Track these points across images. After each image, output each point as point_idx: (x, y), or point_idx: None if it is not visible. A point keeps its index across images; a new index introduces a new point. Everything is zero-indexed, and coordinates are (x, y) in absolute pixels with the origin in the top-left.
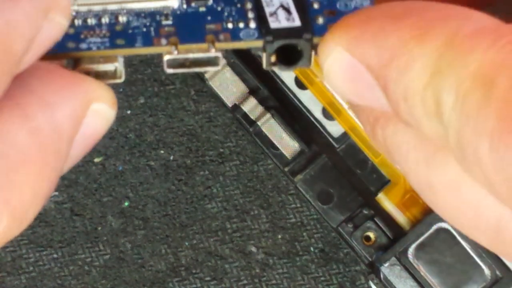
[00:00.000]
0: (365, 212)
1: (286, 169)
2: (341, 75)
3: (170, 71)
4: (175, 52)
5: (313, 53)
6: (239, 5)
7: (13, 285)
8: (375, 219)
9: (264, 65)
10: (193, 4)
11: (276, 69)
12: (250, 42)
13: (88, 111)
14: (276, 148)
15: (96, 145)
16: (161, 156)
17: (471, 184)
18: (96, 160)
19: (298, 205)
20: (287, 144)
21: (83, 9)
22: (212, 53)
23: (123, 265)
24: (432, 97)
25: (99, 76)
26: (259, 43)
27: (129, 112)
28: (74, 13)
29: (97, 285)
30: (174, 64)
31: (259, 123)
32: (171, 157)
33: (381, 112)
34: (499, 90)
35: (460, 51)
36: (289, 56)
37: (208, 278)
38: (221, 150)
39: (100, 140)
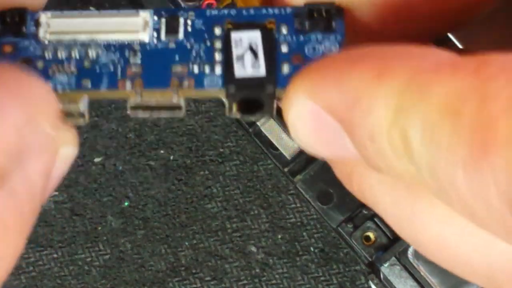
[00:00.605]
0: (365, 212)
1: (285, 169)
2: (306, 126)
3: (133, 115)
4: (139, 98)
5: (275, 103)
6: (208, 43)
7: (13, 285)
8: (375, 219)
9: (227, 113)
10: (163, 39)
11: (238, 117)
12: (213, 92)
13: (57, 157)
14: (276, 149)
15: (96, 145)
16: (161, 156)
17: (457, 238)
18: (96, 160)
19: (298, 205)
20: (287, 144)
21: (54, 38)
22: (175, 100)
23: (123, 265)
24: (399, 135)
25: (63, 114)
26: (222, 93)
27: (129, 112)
28: (46, 42)
29: (97, 285)
30: (137, 108)
31: (258, 123)
32: (171, 157)
33: (354, 164)
34: (466, 119)
35: (421, 86)
36: (252, 105)
37: (208, 278)
38: (221, 150)
39: (100, 140)
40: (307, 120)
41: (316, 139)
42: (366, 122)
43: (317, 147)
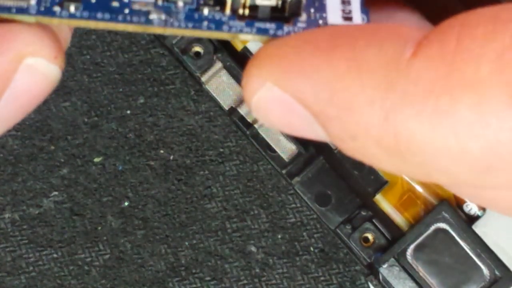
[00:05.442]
0: (363, 213)
1: (283, 171)
2: (273, 112)
3: None
4: None
5: None
6: None
7: (13, 285)
8: (373, 220)
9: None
10: None
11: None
12: None
13: (19, 67)
14: (273, 151)
15: (96, 145)
16: (161, 156)
17: None
18: (96, 160)
19: (298, 205)
20: (284, 146)
21: None
22: None
23: (123, 265)
24: (391, 132)
25: None
26: None
27: (129, 112)
28: None
29: (97, 285)
30: None
31: (256, 125)
32: (171, 157)
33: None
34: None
35: (402, 78)
36: None
37: (208, 278)
38: (221, 150)
39: (100, 140)
40: (274, 106)
41: (284, 124)
42: (347, 120)
43: (283, 130)
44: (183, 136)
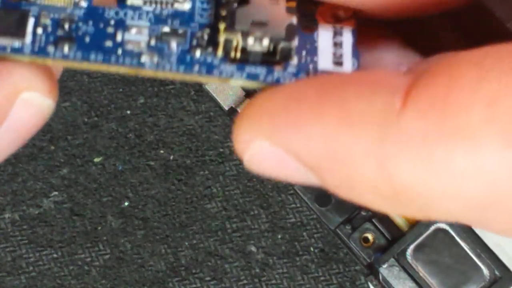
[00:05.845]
0: (363, 213)
1: None
2: (266, 165)
3: None
4: None
5: None
6: None
7: (13, 285)
8: (373, 220)
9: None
10: None
11: None
12: None
13: (16, 101)
14: None
15: (96, 145)
16: (161, 156)
17: None
18: (96, 160)
19: (298, 205)
20: None
21: None
22: None
23: (123, 265)
24: (387, 181)
25: None
26: None
27: (129, 112)
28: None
29: (97, 285)
30: None
31: None
32: (171, 157)
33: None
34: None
35: (402, 129)
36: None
37: (208, 278)
38: (221, 150)
39: (100, 140)
40: (266, 160)
41: (278, 175)
42: (342, 172)
43: (278, 179)
44: (183, 136)
